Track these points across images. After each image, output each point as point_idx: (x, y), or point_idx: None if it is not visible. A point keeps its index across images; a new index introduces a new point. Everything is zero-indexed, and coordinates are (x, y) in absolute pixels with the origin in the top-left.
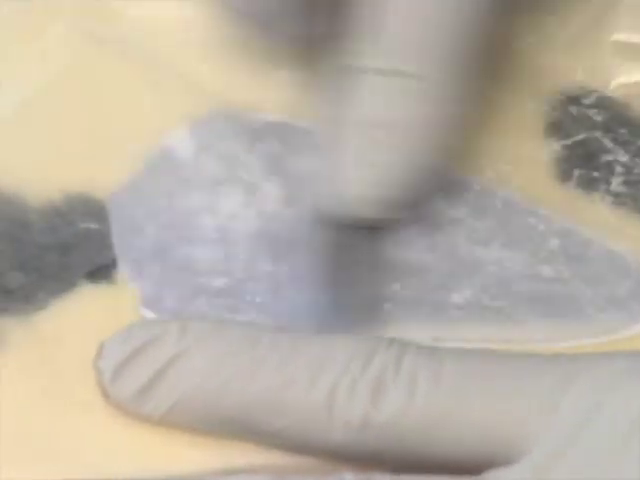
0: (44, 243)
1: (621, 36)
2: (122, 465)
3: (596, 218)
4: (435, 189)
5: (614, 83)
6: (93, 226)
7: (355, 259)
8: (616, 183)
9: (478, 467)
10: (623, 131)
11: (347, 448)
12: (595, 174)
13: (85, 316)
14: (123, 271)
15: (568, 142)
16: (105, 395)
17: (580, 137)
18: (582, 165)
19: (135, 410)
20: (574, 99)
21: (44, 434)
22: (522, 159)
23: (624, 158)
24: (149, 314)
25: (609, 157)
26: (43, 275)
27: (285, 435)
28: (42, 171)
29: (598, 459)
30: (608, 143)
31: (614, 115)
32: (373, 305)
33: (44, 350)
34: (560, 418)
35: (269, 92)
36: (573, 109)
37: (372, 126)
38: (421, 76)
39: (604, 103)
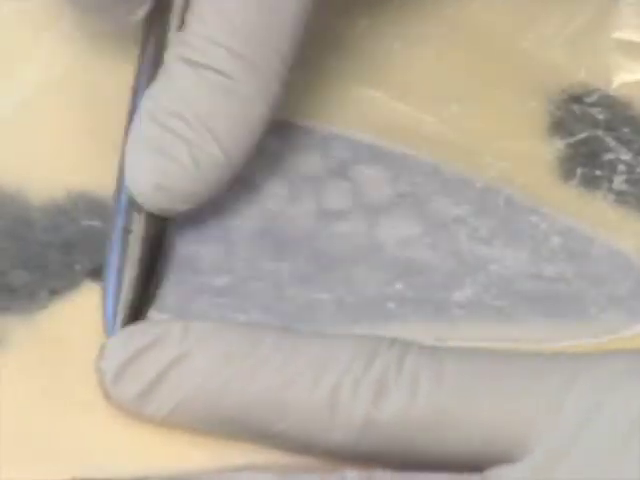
0: (47, 241)
1: (624, 35)
2: (123, 465)
3: (598, 217)
4: (226, 184)
5: (617, 82)
6: (96, 224)
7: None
8: (618, 181)
9: (480, 466)
10: (626, 130)
11: (349, 448)
12: (598, 172)
13: (88, 315)
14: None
15: (571, 141)
16: (107, 396)
17: (583, 136)
18: (585, 163)
19: (137, 411)
20: (577, 98)
21: (45, 434)
22: (524, 158)
23: (627, 156)
24: (152, 312)
25: (611, 155)
26: (46, 274)
27: (287, 436)
28: (45, 170)
29: (599, 459)
30: (611, 142)
31: (616, 114)
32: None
33: (46, 349)
34: (562, 418)
35: None
36: (576, 108)
37: (179, 116)
38: (230, 73)
39: (606, 102)
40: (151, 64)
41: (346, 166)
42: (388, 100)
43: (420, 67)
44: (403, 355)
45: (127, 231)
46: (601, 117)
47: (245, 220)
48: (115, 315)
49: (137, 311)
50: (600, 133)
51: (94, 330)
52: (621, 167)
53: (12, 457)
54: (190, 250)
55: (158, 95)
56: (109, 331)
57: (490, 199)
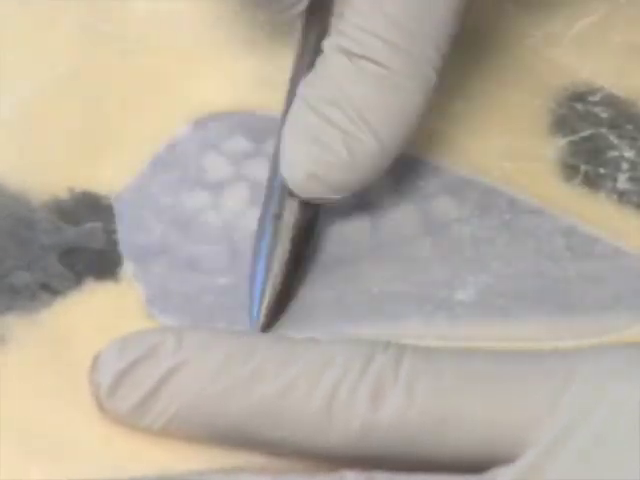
0: (49, 242)
1: (629, 35)
2: (123, 465)
3: (601, 216)
4: (381, 174)
5: (620, 81)
6: (98, 225)
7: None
8: (622, 180)
9: (479, 466)
10: (629, 127)
11: (348, 452)
12: (601, 170)
13: (90, 315)
14: (128, 270)
15: (574, 138)
16: (101, 409)
17: (586, 133)
18: (588, 161)
19: (132, 423)
20: (580, 96)
21: (45, 434)
22: (527, 156)
23: (630, 154)
24: (154, 312)
25: (615, 153)
26: (48, 274)
27: (285, 443)
28: (47, 170)
29: (598, 457)
30: (614, 139)
31: (620, 112)
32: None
33: (49, 349)
34: (560, 416)
35: (272, 91)
36: (579, 106)
37: (336, 106)
38: (385, 65)
39: (610, 100)
40: (310, 53)
41: None
42: None
43: None
44: (399, 358)
45: (278, 217)
46: (604, 115)
47: (247, 220)
48: (261, 300)
49: (282, 298)
50: (603, 131)
51: (95, 330)
52: (624, 165)
53: (12, 457)
54: (191, 250)
55: (315, 84)
56: (254, 315)
57: (493, 199)
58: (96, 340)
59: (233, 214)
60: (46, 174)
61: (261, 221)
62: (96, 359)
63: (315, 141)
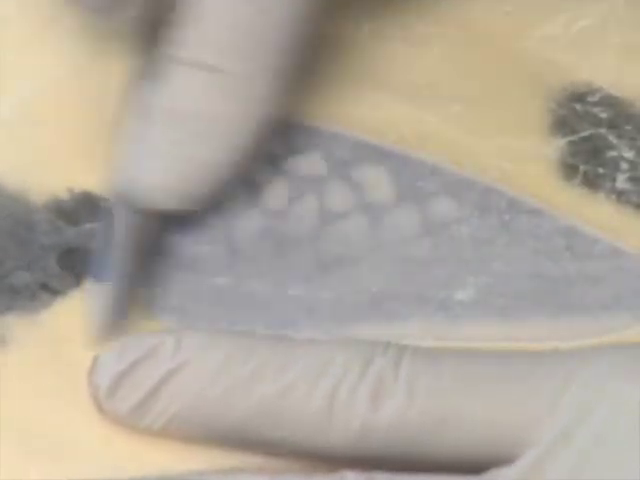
0: (49, 242)
1: (626, 35)
2: (121, 466)
3: (601, 217)
4: (223, 184)
5: (620, 81)
6: (97, 225)
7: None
8: (621, 180)
9: (479, 467)
10: (628, 127)
11: (348, 452)
12: (600, 170)
13: (90, 315)
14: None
15: (574, 138)
16: (100, 410)
17: (585, 134)
18: (588, 161)
19: (131, 424)
20: (579, 96)
21: (45, 434)
22: (526, 157)
23: (629, 154)
24: (154, 312)
25: (614, 153)
26: (48, 274)
27: (285, 444)
28: (47, 171)
29: (598, 457)
30: (613, 139)
31: (619, 112)
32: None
33: (48, 349)
34: (560, 416)
35: None
36: (578, 106)
37: (177, 117)
38: (229, 72)
39: (609, 101)
40: (147, 63)
41: (348, 166)
42: (390, 100)
43: (422, 67)
44: (399, 359)
45: (124, 230)
46: (604, 115)
47: (247, 220)
48: (104, 313)
49: (123, 308)
50: (603, 131)
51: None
52: (624, 165)
53: (12, 457)
54: (191, 250)
55: (153, 94)
56: (96, 330)
57: (492, 199)
58: (95, 341)
59: (233, 214)
60: (46, 174)
61: (106, 234)
62: (95, 361)
63: (156, 152)
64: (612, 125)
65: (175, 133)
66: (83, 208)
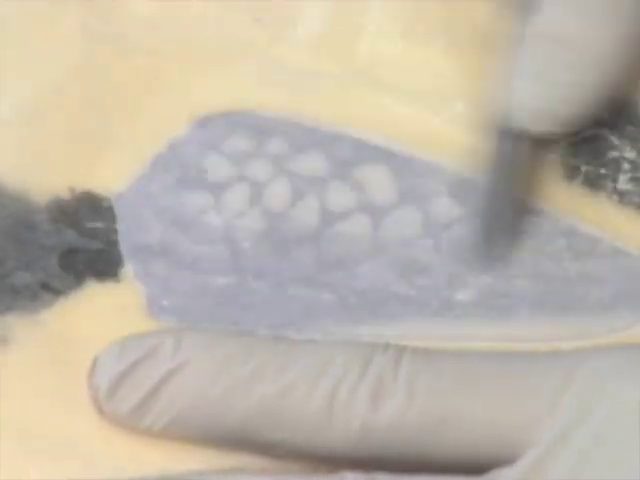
0: (50, 242)
1: None
2: (121, 466)
3: (602, 217)
4: (603, 108)
5: (621, 82)
6: (99, 225)
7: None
8: (622, 180)
9: (480, 467)
10: (630, 128)
11: (348, 453)
12: (602, 171)
13: (91, 315)
14: (129, 270)
15: (575, 138)
16: (100, 411)
17: (587, 134)
18: (589, 161)
19: (132, 426)
20: None
21: (45, 434)
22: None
23: (631, 155)
24: (154, 312)
25: (616, 153)
26: (49, 274)
27: (285, 443)
28: (48, 171)
29: (598, 457)
30: (615, 140)
31: (621, 112)
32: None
33: (49, 349)
34: (560, 416)
35: (272, 91)
36: None
37: (551, 42)
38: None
39: (611, 101)
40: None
41: (350, 166)
42: (392, 100)
43: (424, 67)
44: (398, 358)
45: (506, 155)
46: (605, 115)
47: (248, 220)
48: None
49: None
50: (604, 131)
51: (98, 329)
52: (625, 165)
53: (12, 457)
54: (192, 250)
55: (526, 22)
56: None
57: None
58: (97, 340)
59: (234, 214)
60: (46, 174)
61: (488, 159)
62: (94, 362)
63: (539, 77)
64: (614, 125)
65: (546, 58)
66: (84, 208)
